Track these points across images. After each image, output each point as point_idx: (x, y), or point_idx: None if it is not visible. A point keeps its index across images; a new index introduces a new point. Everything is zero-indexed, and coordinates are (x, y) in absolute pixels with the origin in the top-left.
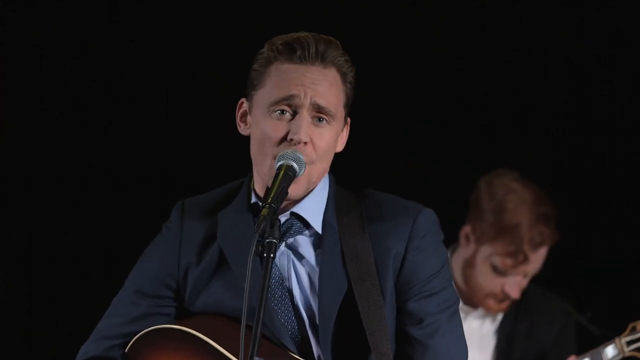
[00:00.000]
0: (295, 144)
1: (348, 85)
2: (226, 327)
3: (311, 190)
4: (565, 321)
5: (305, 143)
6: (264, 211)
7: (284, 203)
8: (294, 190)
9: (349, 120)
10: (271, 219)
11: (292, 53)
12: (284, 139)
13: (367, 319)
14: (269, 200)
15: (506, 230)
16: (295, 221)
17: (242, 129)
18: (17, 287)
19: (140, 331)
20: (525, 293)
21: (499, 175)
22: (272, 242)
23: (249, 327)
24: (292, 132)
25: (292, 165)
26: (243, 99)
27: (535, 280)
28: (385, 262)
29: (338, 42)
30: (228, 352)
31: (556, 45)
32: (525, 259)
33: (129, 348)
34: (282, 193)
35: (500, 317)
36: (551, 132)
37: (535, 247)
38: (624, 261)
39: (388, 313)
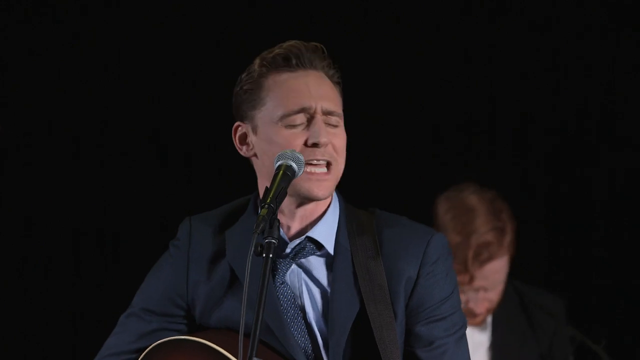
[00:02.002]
0: (319, 147)
1: (338, 86)
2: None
3: (324, 213)
4: (558, 331)
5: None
6: (263, 211)
7: (300, 227)
8: (322, 190)
9: None
10: (270, 219)
11: (288, 61)
12: (302, 145)
13: (380, 340)
14: (267, 200)
15: (455, 248)
16: (308, 243)
17: (245, 151)
18: (17, 287)
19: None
20: (522, 301)
21: (456, 190)
22: (270, 242)
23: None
24: (312, 137)
25: (291, 165)
26: (238, 123)
27: (535, 281)
28: (397, 285)
29: (323, 47)
30: None
31: (556, 45)
32: (472, 279)
33: (141, 359)
34: (282, 193)
35: (490, 326)
36: (551, 132)
37: (482, 263)
38: (624, 261)
39: (398, 335)
